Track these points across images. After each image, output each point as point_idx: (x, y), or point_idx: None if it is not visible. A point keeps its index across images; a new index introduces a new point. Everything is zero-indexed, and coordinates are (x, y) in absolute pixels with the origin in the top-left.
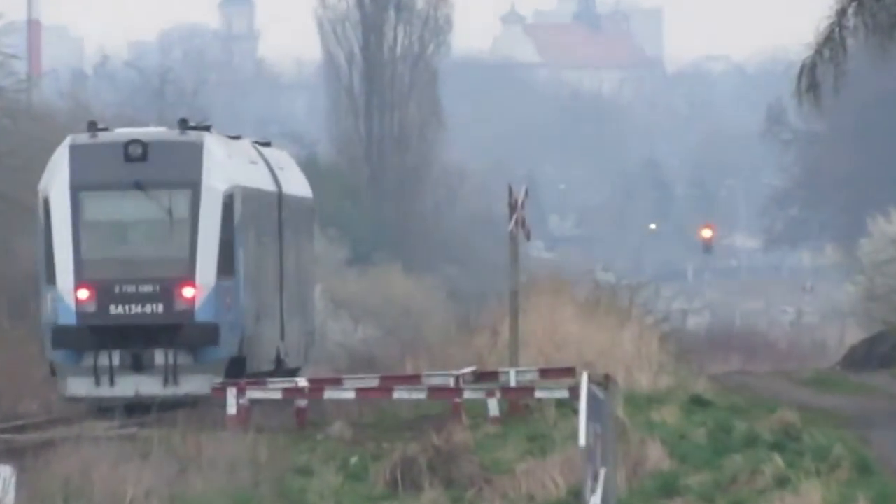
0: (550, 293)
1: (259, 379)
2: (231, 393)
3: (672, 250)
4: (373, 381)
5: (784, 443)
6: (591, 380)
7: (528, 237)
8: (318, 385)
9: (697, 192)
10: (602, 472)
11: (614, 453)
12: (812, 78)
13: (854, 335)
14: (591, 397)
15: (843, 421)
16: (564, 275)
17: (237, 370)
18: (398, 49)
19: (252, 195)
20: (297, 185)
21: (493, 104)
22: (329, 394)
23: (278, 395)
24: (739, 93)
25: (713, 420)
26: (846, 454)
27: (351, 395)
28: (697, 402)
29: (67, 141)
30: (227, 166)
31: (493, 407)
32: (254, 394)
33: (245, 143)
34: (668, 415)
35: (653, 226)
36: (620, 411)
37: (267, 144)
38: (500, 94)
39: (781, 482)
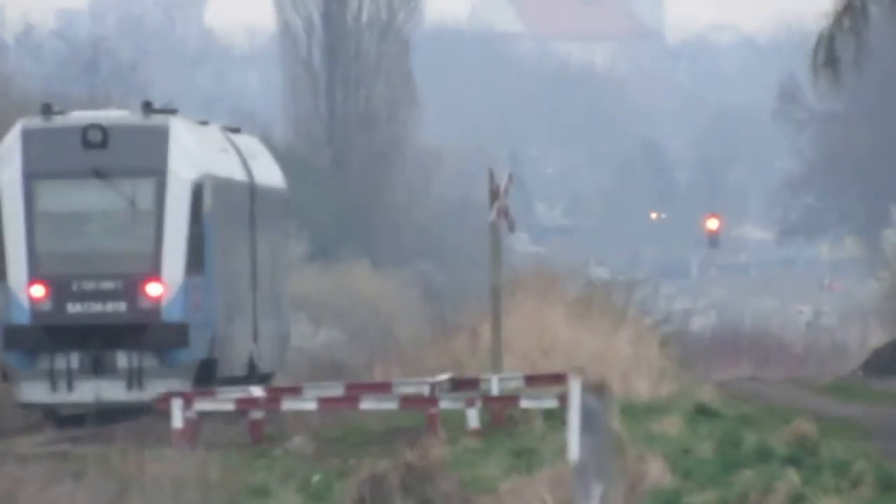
0: (537, 291)
1: (208, 388)
2: (177, 404)
3: (674, 243)
4: (337, 390)
5: (800, 457)
6: (582, 387)
7: (511, 228)
8: (275, 395)
9: (702, 178)
10: (596, 491)
11: (610, 469)
12: (830, 51)
13: (878, 337)
14: (584, 407)
15: (866, 433)
16: (553, 270)
17: (207, 374)
18: (364, 17)
19: (222, 185)
20: (269, 175)
21: (472, 79)
22: (288, 404)
23: (231, 407)
24: (749, 67)
25: (720, 432)
26: (869, 469)
27: (312, 405)
28: (703, 412)
29: (19, 125)
30: (195, 153)
31: (474, 418)
32: (203, 405)
33: (214, 129)
34: (670, 426)
35: (653, 215)
36: (616, 422)
37: (236, 131)
38: (480, 67)
39: (797, 500)
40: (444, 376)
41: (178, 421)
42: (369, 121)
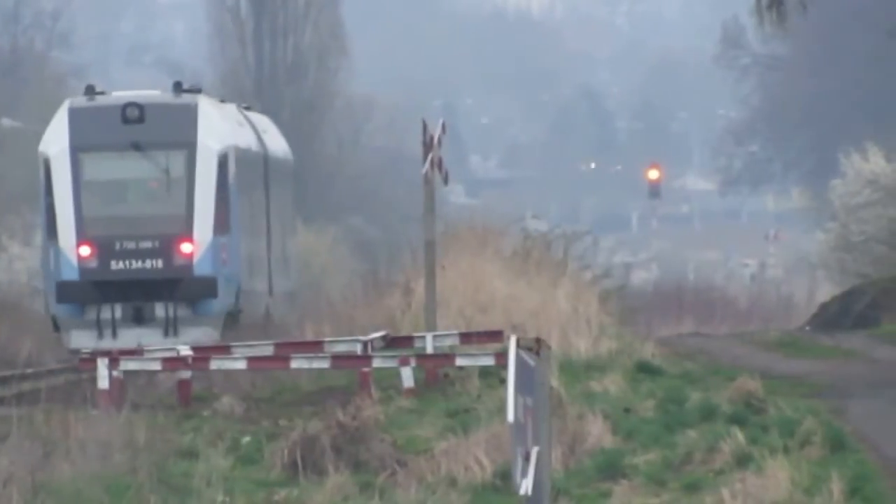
0: (472, 245)
1: (134, 348)
2: (102, 364)
3: (614, 194)
4: (267, 349)
5: (745, 415)
6: (519, 345)
7: (445, 181)
8: (203, 354)
9: (642, 126)
10: (534, 452)
11: (548, 429)
12: None
13: (825, 291)
14: (521, 365)
15: (814, 390)
16: (489, 224)
17: (232, 323)
18: None
19: (243, 155)
20: (278, 146)
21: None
22: (216, 364)
23: (157, 366)
24: (691, 11)
25: (663, 390)
26: (817, 428)
27: (242, 365)
28: (644, 370)
29: (66, 104)
30: (220, 127)
31: (408, 377)
32: (129, 364)
33: (232, 107)
34: (611, 384)
35: (592, 165)
36: (555, 381)
37: (249, 108)
38: (412, 14)
39: (743, 461)
40: (376, 334)
41: (104, 381)
42: (298, 70)
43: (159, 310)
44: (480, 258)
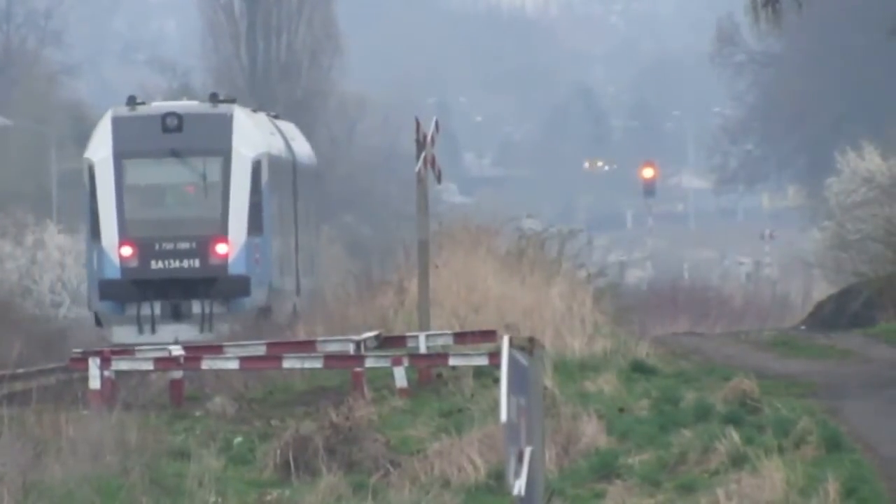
0: (466, 244)
1: (126, 348)
2: (94, 363)
3: (609, 193)
4: (259, 349)
5: (741, 415)
6: (513, 344)
7: (438, 179)
8: (195, 354)
9: (637, 125)
10: (527, 452)
11: (542, 430)
12: None
13: (821, 290)
14: (513, 365)
15: (810, 389)
16: (482, 222)
17: (264, 319)
18: None
19: (274, 162)
20: (305, 153)
21: (398, 24)
22: (208, 363)
23: (149, 366)
24: (686, 9)
25: (658, 390)
26: (813, 428)
27: (234, 364)
28: (639, 370)
29: (109, 114)
30: (253, 136)
31: (401, 377)
32: (120, 364)
33: (263, 116)
34: (605, 384)
35: (586, 164)
36: (549, 380)
37: (277, 117)
38: (406, 12)
39: (738, 461)
40: (369, 334)
41: (95, 381)
42: (291, 69)
43: (196, 307)
44: (474, 257)
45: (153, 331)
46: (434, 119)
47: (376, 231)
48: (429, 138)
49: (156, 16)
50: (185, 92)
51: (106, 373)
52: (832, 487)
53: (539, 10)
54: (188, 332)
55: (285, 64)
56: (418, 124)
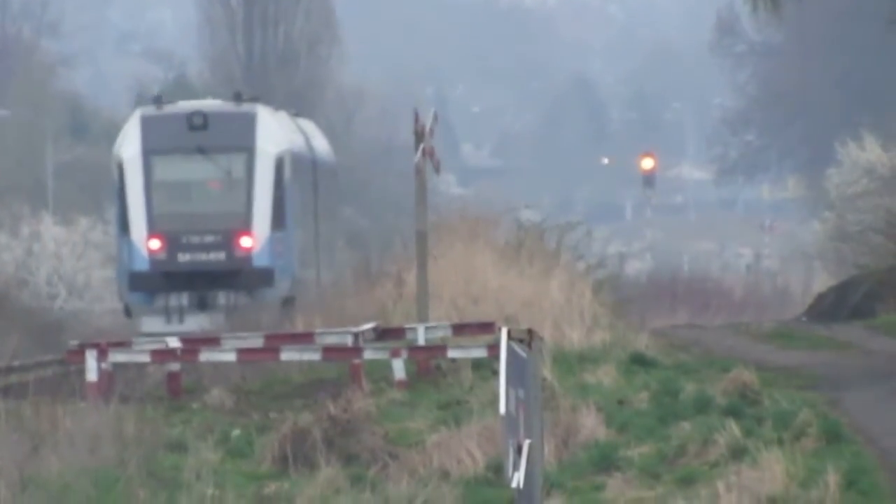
0: (464, 236)
1: (123, 340)
2: (91, 356)
3: (608, 184)
4: (257, 341)
5: (741, 408)
6: (511, 336)
7: (437, 170)
8: (192, 345)
9: (637, 116)
10: (526, 444)
11: (541, 422)
12: None
13: (822, 281)
14: (512, 357)
15: (810, 381)
16: (481, 214)
17: (287, 310)
18: None
19: (296, 159)
20: (325, 151)
21: (395, 14)
22: (206, 355)
23: (146, 359)
24: None
25: (657, 382)
26: (813, 420)
27: (231, 356)
28: (638, 362)
29: (138, 113)
30: (276, 133)
31: (399, 369)
32: (117, 357)
33: (284, 114)
34: (604, 376)
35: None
36: (548, 373)
37: (298, 115)
38: (403, 2)
39: (738, 453)
40: (368, 325)
41: (92, 374)
42: (289, 59)
43: (221, 298)
44: (473, 248)
45: (181, 321)
46: (432, 110)
47: (374, 222)
48: (427, 129)
49: (152, 6)
50: (181, 85)
51: (103, 365)
52: (832, 479)
53: (537, 0)
54: (214, 322)
55: (282, 54)
56: (416, 115)
